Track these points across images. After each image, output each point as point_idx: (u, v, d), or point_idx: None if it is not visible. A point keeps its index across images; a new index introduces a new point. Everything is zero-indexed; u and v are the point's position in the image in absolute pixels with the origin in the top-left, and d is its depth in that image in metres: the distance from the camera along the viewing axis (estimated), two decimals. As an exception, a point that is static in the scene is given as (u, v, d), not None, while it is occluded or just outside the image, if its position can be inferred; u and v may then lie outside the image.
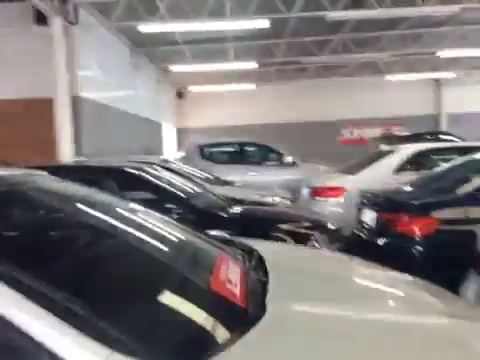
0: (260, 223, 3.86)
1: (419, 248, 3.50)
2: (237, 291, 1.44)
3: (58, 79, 7.47)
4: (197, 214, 3.69)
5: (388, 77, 16.40)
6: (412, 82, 17.32)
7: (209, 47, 12.39)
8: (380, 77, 16.50)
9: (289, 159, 9.00)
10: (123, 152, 9.36)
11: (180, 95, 19.01)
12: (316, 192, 5.92)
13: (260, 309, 1.36)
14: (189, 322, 1.27)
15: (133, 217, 2.01)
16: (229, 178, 7.30)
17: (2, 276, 1.05)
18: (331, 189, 5.82)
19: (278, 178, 8.62)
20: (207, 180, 6.45)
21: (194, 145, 9.84)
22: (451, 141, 9.16)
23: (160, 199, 3.88)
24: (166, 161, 7.17)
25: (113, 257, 1.51)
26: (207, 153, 9.63)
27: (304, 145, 13.93)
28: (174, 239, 1.95)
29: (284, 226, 3.77)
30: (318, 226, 3.93)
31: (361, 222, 4.39)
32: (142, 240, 1.74)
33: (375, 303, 1.60)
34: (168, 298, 1.35)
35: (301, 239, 3.59)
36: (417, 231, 3.52)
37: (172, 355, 1.10)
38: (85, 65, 8.76)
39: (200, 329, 1.26)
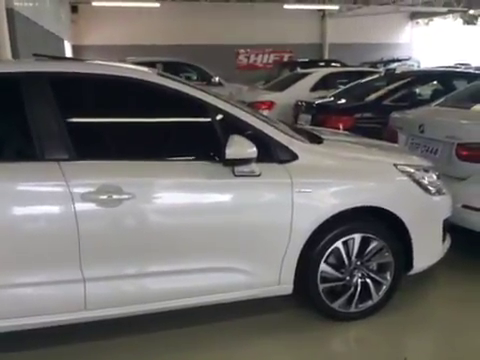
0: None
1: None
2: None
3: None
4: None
5: (286, 6, 17.71)
6: (301, 12, 18.96)
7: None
8: (279, 5, 17.73)
9: (216, 79, 10.25)
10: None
11: (74, 9, 18.20)
12: (251, 106, 7.35)
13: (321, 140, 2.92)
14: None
15: None
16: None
17: None
18: (263, 103, 7.33)
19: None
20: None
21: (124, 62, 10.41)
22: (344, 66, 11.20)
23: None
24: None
25: None
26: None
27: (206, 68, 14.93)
28: None
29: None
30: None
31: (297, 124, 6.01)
32: None
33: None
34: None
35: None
36: (341, 126, 5.23)
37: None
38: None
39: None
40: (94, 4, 16.84)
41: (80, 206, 2.26)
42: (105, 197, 2.29)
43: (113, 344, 2.65)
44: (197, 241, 2.49)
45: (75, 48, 17.77)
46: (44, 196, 2.27)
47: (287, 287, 2.69)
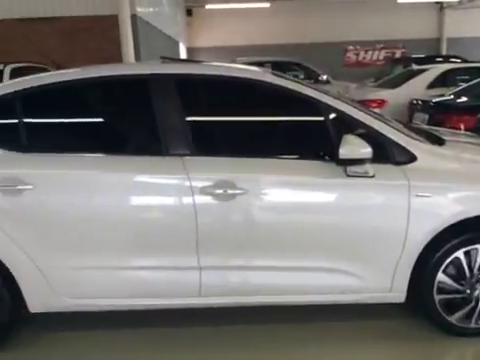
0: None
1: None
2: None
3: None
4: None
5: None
6: (416, 5, 17.87)
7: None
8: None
9: (324, 77, 10.15)
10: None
11: (189, 12, 19.11)
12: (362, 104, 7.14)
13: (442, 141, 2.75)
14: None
15: None
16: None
17: None
18: (374, 101, 7.06)
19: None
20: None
21: (234, 63, 10.77)
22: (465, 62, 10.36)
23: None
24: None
25: None
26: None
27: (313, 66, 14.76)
28: None
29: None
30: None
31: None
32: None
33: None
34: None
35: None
36: (463, 127, 4.84)
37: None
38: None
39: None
40: (207, 7, 17.56)
41: (199, 199, 2.38)
42: (221, 191, 2.38)
43: (223, 331, 2.75)
44: (306, 239, 2.48)
45: (189, 50, 18.71)
46: (168, 188, 2.44)
47: (400, 295, 2.57)
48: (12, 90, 2.54)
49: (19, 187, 2.38)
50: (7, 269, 2.43)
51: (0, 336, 2.56)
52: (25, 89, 2.53)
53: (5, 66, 6.15)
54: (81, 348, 2.65)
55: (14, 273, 2.43)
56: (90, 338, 2.72)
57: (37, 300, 2.51)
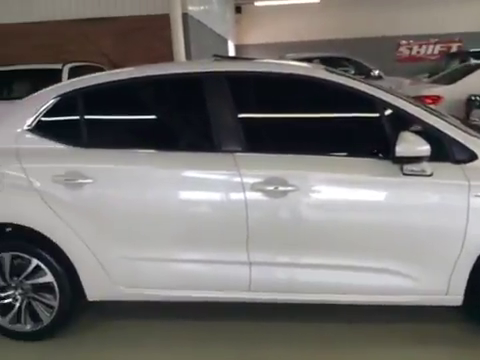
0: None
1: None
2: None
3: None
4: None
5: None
6: (475, -4, 17.03)
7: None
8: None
9: (376, 73, 9.91)
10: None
11: (238, 10, 19.16)
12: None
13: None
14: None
15: None
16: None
17: None
18: (428, 97, 6.81)
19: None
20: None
21: (283, 59, 10.72)
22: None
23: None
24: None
25: None
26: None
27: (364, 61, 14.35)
28: None
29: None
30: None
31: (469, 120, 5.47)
32: None
33: None
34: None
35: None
36: (526, 124, 4.59)
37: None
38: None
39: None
40: (256, 4, 17.54)
41: (250, 195, 2.40)
42: (272, 188, 2.39)
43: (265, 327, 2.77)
44: (360, 238, 2.44)
45: (237, 47, 18.75)
46: (220, 184, 2.47)
47: (456, 298, 2.48)
48: (71, 89, 2.66)
49: (80, 181, 2.50)
50: (69, 259, 2.56)
51: (61, 322, 2.71)
52: (82, 88, 2.65)
53: (64, 65, 6.44)
54: (133, 335, 2.75)
55: (75, 264, 2.56)
56: (142, 327, 2.81)
57: (95, 289, 2.63)
